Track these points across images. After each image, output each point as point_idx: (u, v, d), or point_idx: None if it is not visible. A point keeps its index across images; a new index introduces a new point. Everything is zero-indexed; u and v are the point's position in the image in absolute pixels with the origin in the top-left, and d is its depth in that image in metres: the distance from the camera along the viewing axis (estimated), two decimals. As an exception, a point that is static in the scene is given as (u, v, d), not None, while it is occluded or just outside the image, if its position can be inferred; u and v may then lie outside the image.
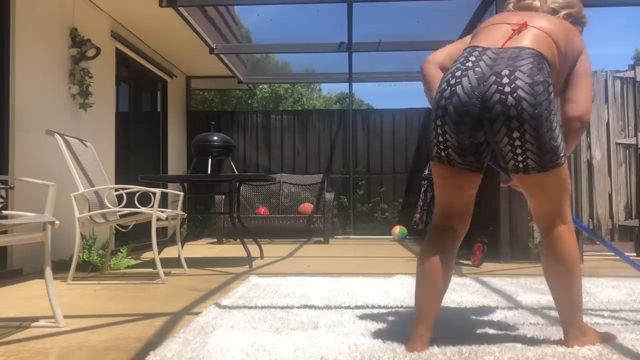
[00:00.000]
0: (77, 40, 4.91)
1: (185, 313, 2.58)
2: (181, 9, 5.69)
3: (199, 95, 12.04)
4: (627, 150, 5.64)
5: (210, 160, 5.11)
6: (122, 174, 6.03)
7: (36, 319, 2.41)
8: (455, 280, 3.51)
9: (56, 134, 3.65)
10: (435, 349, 1.78)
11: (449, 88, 1.81)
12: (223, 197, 7.42)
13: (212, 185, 7.53)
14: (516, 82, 1.71)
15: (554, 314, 2.30)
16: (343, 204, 8.51)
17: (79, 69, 4.91)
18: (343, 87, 23.82)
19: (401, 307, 2.61)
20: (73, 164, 3.66)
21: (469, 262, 4.57)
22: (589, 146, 5.53)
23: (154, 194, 3.63)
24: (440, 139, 1.83)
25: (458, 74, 1.81)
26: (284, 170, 8.64)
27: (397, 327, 2.14)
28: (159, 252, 3.80)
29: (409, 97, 31.22)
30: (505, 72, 1.73)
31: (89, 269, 4.15)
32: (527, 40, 1.82)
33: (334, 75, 9.15)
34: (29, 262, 4.05)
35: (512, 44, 1.82)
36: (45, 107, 4.46)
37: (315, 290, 3.08)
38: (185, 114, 8.64)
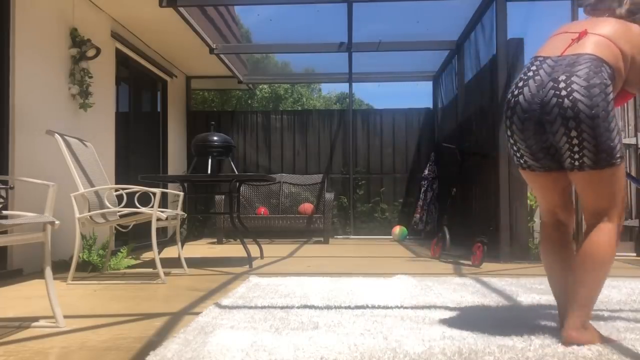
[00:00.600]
0: (77, 40, 4.91)
1: (185, 313, 2.58)
2: (181, 9, 5.70)
3: (199, 95, 12.03)
4: (627, 150, 5.64)
5: (210, 160, 5.11)
6: (122, 174, 6.03)
7: (36, 319, 2.41)
8: (455, 280, 3.51)
9: (56, 134, 3.65)
10: (435, 349, 1.78)
11: (512, 99, 1.96)
12: (223, 197, 7.42)
13: (212, 185, 7.54)
14: (572, 85, 1.82)
15: (555, 314, 2.30)
16: (343, 204, 8.51)
17: (79, 69, 4.91)
18: (343, 87, 23.76)
19: (401, 307, 2.61)
20: (73, 164, 3.66)
21: (469, 262, 4.57)
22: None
23: (154, 194, 3.63)
24: (514, 147, 2.02)
25: (520, 84, 1.95)
26: (284, 170, 8.65)
27: (397, 327, 2.14)
28: (159, 252, 3.80)
29: (409, 97, 31.25)
30: (562, 77, 1.84)
31: (89, 269, 4.16)
32: (586, 47, 1.90)
33: (334, 75, 9.14)
34: (29, 262, 4.05)
35: (571, 52, 1.91)
36: (45, 107, 4.46)
37: (315, 290, 3.08)
38: (185, 114, 8.65)
